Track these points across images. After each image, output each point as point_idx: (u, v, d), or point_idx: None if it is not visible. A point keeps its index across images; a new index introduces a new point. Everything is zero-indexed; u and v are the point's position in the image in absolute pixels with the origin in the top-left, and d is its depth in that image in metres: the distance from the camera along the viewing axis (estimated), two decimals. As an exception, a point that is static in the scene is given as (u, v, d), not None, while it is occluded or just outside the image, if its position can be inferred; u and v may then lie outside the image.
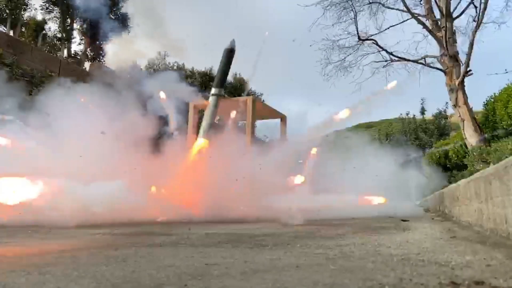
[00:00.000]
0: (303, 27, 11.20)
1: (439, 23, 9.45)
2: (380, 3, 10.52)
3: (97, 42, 22.53)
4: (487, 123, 9.73)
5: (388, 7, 10.44)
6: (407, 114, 24.47)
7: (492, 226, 3.04)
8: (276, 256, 2.37)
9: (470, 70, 8.94)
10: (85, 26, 22.51)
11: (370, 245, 2.82)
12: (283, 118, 15.26)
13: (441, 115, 23.49)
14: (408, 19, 10.18)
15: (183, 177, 9.15)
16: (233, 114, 12.64)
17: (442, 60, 9.32)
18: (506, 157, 3.35)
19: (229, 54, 11.76)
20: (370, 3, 10.53)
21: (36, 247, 3.07)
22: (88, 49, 22.90)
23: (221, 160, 9.01)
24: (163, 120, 11.25)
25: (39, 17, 22.43)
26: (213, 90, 11.88)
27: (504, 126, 8.29)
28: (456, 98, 8.87)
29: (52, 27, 22.94)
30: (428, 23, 9.72)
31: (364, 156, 11.47)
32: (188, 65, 25.87)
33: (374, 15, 10.62)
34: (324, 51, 10.91)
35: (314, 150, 11.34)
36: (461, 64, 9.06)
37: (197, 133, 11.87)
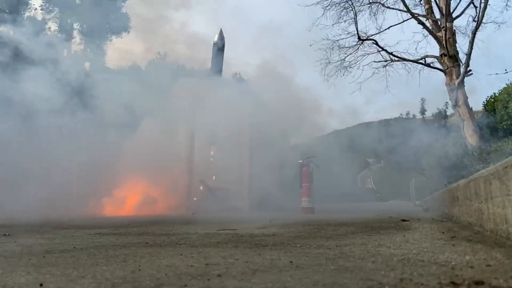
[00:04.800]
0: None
1: (439, 23, 9.45)
2: (380, 3, 10.52)
3: (97, 42, 22.51)
4: (487, 123, 9.72)
5: (388, 7, 10.44)
6: (407, 114, 24.54)
7: (492, 226, 3.04)
8: (276, 256, 2.37)
9: (470, 70, 8.94)
10: (85, 26, 22.51)
11: (370, 245, 2.82)
12: None
13: (441, 115, 23.56)
14: (408, 19, 10.18)
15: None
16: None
17: (442, 60, 9.32)
18: (506, 157, 3.35)
19: (218, 48, 11.35)
20: (370, 3, 10.53)
21: (36, 247, 3.07)
22: (88, 49, 22.89)
23: None
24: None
25: (39, 17, 22.42)
26: None
27: (504, 126, 8.29)
28: (456, 98, 8.87)
29: (52, 27, 22.94)
30: (428, 23, 9.72)
31: None
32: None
33: (374, 15, 10.63)
34: (324, 51, 10.91)
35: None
36: (461, 64, 9.06)
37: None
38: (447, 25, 9.20)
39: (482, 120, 9.62)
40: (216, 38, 11.45)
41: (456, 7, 9.42)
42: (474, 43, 8.75)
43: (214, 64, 11.44)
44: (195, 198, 11.01)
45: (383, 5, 10.53)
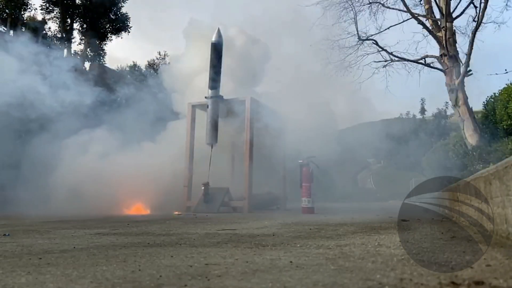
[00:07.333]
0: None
1: (439, 23, 9.45)
2: (380, 3, 10.54)
3: (97, 42, 22.55)
4: (487, 123, 9.73)
5: (388, 7, 10.46)
6: (407, 114, 24.52)
7: (492, 226, 3.04)
8: (276, 256, 2.37)
9: (470, 70, 8.96)
10: (85, 26, 22.53)
11: (370, 245, 2.82)
12: None
13: (441, 115, 23.53)
14: (408, 19, 10.20)
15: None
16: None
17: (442, 60, 9.32)
18: (506, 157, 3.35)
19: (217, 48, 11.24)
20: (370, 3, 10.54)
21: (36, 247, 3.07)
22: (88, 49, 22.92)
23: None
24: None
25: (39, 17, 22.44)
26: (208, 92, 11.40)
27: (504, 126, 8.29)
28: (456, 98, 8.88)
29: (52, 27, 22.95)
30: (428, 23, 9.73)
31: None
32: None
33: (374, 15, 10.65)
34: (324, 51, 10.93)
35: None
36: (461, 64, 9.08)
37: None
38: (447, 25, 9.22)
39: (482, 120, 9.62)
40: (214, 37, 11.39)
41: (456, 7, 9.44)
42: (474, 43, 8.76)
43: (212, 65, 11.35)
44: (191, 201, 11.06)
45: (383, 5, 10.55)
